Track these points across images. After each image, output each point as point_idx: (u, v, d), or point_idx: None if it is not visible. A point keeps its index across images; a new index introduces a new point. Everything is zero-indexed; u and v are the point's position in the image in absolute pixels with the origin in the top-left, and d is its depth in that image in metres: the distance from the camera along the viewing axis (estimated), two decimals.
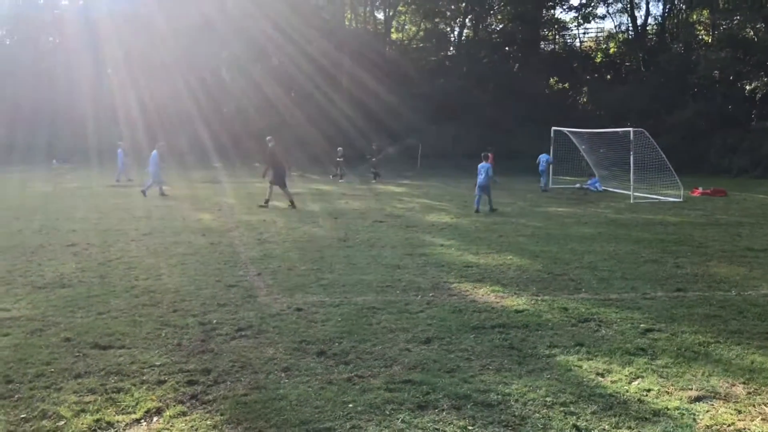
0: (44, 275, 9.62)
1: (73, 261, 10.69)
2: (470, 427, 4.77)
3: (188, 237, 13.35)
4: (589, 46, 56.59)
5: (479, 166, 19.06)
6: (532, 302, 8.45)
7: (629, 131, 23.89)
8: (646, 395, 5.42)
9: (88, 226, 14.66)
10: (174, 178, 27.42)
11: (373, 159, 31.75)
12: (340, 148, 32.44)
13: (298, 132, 41.01)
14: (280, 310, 7.89)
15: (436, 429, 4.74)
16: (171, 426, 4.75)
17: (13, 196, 21.11)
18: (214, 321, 7.39)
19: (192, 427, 4.74)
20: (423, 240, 13.54)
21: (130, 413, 4.96)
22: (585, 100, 53.31)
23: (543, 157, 27.45)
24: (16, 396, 5.23)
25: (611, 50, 54.25)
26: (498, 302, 8.45)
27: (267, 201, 19.27)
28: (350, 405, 5.11)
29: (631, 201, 22.84)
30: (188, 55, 41.75)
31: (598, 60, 54.41)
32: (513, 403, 5.22)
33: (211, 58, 43.41)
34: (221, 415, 4.94)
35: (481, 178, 18.82)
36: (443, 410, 5.06)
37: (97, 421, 4.82)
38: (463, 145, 43.05)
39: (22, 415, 4.88)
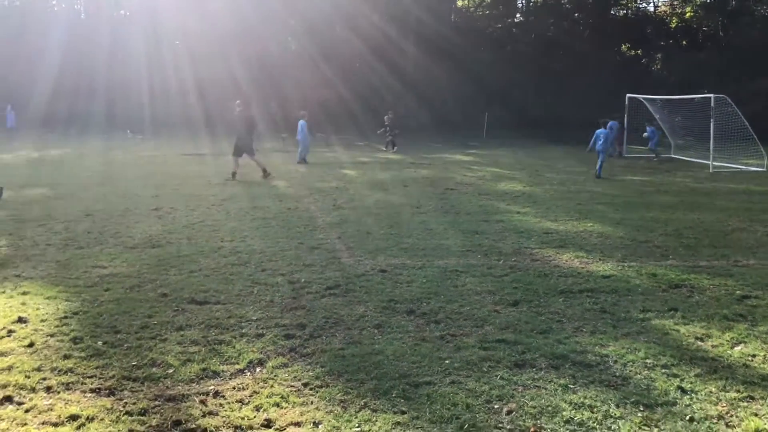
0: (133, 236, 9.98)
1: (159, 224, 11.05)
2: (571, 386, 4.73)
3: (265, 202, 13.59)
4: (664, 11, 54.28)
5: (597, 132, 19.31)
6: (619, 268, 8.27)
7: (710, 98, 22.86)
8: (752, 360, 5.25)
9: (169, 191, 15.09)
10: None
11: (388, 128, 30.13)
12: (388, 115, 30.50)
13: (356, 105, 40.93)
14: (365, 271, 7.97)
15: (537, 386, 4.72)
16: (275, 376, 4.88)
17: (96, 164, 21.91)
18: (302, 280, 7.53)
19: (295, 377, 4.86)
20: (498, 207, 13.39)
21: (233, 363, 5.12)
22: (659, 66, 51.29)
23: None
24: (125, 345, 5.47)
25: (687, 15, 51.88)
26: (583, 267, 8.30)
27: (234, 173, 17.55)
28: (446, 361, 5.13)
29: (711, 170, 21.96)
30: (248, 29, 42.15)
31: (674, 25, 52.16)
32: (612, 364, 5.15)
33: (271, 31, 43.70)
34: (321, 367, 5.05)
35: (599, 144, 19.16)
36: (541, 369, 5.03)
37: (204, 369, 4.99)
38: (531, 114, 42.28)
39: (134, 363, 5.11)
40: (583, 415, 4.28)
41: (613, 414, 4.30)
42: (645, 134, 26.90)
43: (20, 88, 38.84)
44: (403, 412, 4.30)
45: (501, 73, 45.23)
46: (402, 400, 4.47)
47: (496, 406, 4.41)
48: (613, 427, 4.14)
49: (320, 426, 4.14)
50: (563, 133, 36.94)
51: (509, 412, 4.32)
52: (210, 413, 4.30)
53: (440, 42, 43.86)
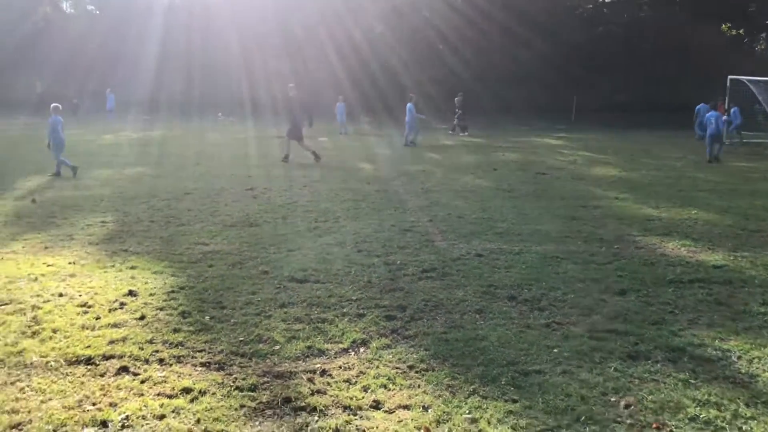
0: (231, 215, 10.21)
1: (254, 203, 11.27)
2: (692, 381, 4.46)
3: (355, 185, 13.63)
4: None
5: (707, 115, 18.71)
6: (731, 258, 7.79)
7: None
8: None
9: (261, 171, 15.40)
10: (327, 131, 28.12)
11: (459, 111, 29.55)
12: (458, 96, 29.25)
13: (433, 88, 40.34)
14: (461, 254, 7.83)
15: (654, 380, 4.48)
16: (379, 357, 4.84)
17: (192, 144, 22.65)
18: (398, 262, 7.47)
19: (399, 359, 4.81)
20: (594, 192, 12.93)
21: (337, 342, 5.12)
22: (763, 47, 48.17)
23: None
24: (232, 320, 5.57)
25: None
26: (692, 257, 7.87)
27: (286, 156, 17.38)
28: (555, 350, 4.95)
29: None
30: (336, 12, 42.35)
31: None
32: (735, 359, 4.83)
33: (356, 16, 43.70)
34: (425, 350, 4.97)
35: (711, 128, 18.36)
36: (657, 362, 4.77)
37: (309, 347, 5.01)
38: (620, 97, 40.68)
39: (240, 338, 5.19)
40: (709, 413, 4.02)
41: (743, 414, 4.02)
42: (725, 117, 25.32)
43: (121, 72, 40.56)
44: (515, 401, 4.16)
45: (590, 54, 43.68)
46: (512, 388, 4.34)
47: (612, 399, 4.21)
48: (744, 428, 3.86)
49: (429, 410, 4.06)
50: (655, 118, 35.37)
51: (627, 406, 4.11)
52: (318, 392, 4.30)
53: (528, 23, 42.72)
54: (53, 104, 14.42)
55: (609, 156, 20.55)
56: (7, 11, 40.69)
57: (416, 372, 4.60)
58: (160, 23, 42.27)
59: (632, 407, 4.09)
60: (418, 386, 4.38)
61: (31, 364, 4.64)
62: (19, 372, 4.51)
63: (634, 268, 7.28)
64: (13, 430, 3.79)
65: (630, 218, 10.24)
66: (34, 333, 5.19)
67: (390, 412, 4.06)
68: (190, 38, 42.60)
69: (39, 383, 4.35)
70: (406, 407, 4.10)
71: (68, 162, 14.07)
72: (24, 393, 4.22)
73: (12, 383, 4.35)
